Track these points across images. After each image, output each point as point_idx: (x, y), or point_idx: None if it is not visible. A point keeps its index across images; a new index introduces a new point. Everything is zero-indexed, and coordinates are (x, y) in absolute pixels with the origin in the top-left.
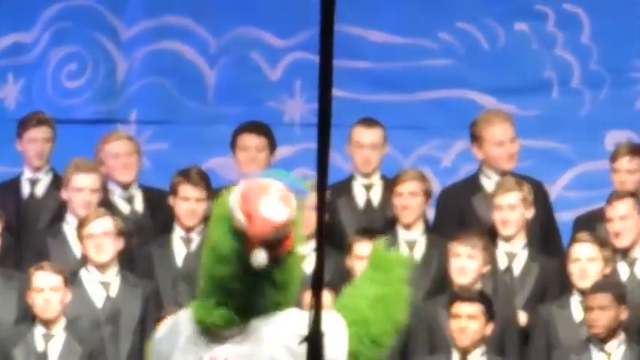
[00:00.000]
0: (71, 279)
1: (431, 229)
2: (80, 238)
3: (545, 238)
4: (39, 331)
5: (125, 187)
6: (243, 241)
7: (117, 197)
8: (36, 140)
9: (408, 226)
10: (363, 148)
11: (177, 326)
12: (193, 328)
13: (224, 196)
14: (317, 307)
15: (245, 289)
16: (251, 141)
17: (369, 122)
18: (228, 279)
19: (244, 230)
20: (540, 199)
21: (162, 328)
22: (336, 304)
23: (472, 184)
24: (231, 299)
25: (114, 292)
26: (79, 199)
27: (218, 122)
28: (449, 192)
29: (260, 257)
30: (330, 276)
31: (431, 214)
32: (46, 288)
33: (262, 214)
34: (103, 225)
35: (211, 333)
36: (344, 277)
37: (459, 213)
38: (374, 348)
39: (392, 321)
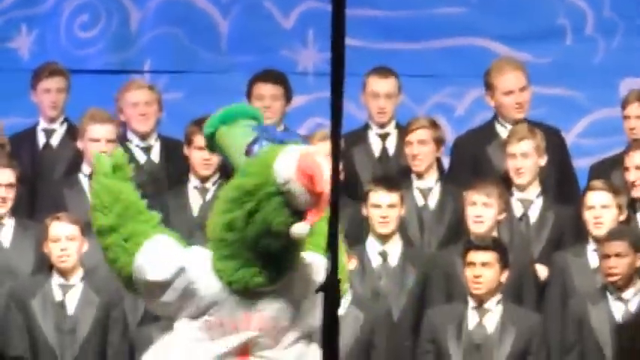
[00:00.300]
0: (87, 229)
1: (446, 177)
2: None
3: (562, 185)
4: (56, 281)
5: (143, 136)
6: (298, 214)
7: (134, 146)
8: (50, 90)
9: (420, 175)
10: (378, 98)
11: (193, 273)
12: (218, 285)
13: (256, 168)
14: (333, 255)
15: (289, 255)
16: (266, 90)
17: (383, 71)
18: (277, 249)
19: (302, 204)
20: (557, 147)
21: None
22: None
23: (487, 131)
24: (273, 264)
25: None
26: (94, 149)
27: (231, 71)
28: (464, 140)
29: (304, 229)
30: (346, 225)
31: (447, 162)
32: (63, 237)
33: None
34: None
35: (245, 292)
36: (360, 225)
37: (473, 161)
38: None
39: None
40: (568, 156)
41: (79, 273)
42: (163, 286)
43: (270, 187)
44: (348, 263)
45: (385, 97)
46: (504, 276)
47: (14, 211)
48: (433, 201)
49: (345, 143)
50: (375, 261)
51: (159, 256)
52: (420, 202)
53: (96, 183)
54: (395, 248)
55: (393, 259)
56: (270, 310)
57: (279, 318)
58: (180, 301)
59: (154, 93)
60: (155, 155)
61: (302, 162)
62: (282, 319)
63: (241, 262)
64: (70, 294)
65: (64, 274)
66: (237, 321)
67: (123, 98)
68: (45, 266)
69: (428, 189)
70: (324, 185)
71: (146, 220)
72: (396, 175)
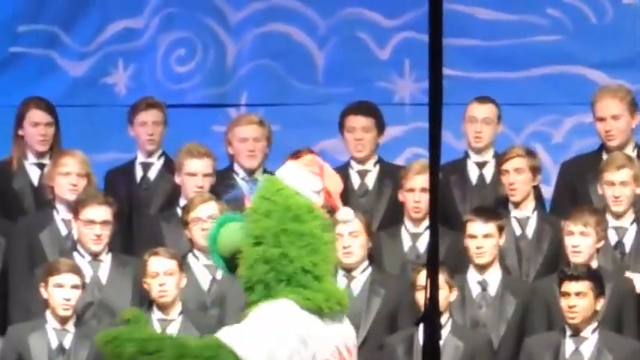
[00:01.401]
0: (185, 264)
1: (550, 205)
2: (185, 222)
3: None
4: (156, 315)
5: (250, 172)
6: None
7: (240, 180)
8: (147, 123)
9: (517, 204)
10: (475, 123)
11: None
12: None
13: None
14: (432, 285)
15: None
16: (357, 122)
17: (482, 99)
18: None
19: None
20: None
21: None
22: None
23: (592, 159)
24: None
25: (219, 275)
26: (191, 184)
27: (328, 103)
28: (567, 167)
29: (350, 212)
30: (443, 255)
31: (545, 190)
32: (161, 273)
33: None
34: (209, 209)
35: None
36: (458, 255)
37: (574, 189)
38: None
39: None
40: None
41: (178, 307)
42: None
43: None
44: (450, 294)
45: (482, 122)
46: (600, 304)
47: (112, 247)
48: (530, 230)
49: (444, 172)
50: (475, 290)
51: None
52: (518, 231)
53: None
54: (494, 277)
55: (493, 289)
56: (340, 337)
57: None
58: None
59: (264, 128)
60: None
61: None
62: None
63: (319, 281)
64: (170, 328)
65: (164, 308)
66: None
67: (232, 131)
68: (144, 301)
69: (525, 218)
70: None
71: None
72: (493, 204)
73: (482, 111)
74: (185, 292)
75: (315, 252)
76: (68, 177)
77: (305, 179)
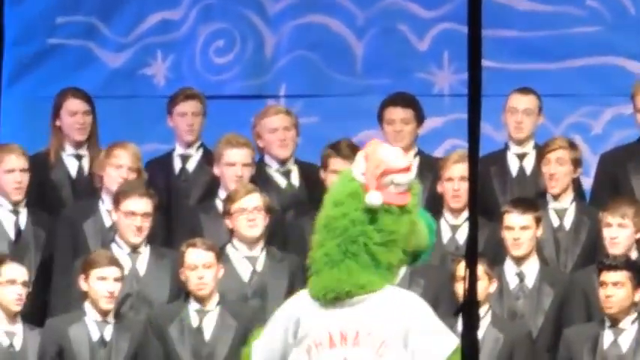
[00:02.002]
0: (223, 255)
1: (590, 196)
2: (228, 213)
3: None
4: (193, 307)
5: (282, 162)
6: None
7: (273, 171)
8: (186, 114)
9: (556, 196)
10: (516, 114)
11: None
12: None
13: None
14: (471, 277)
15: None
16: (396, 114)
17: (524, 90)
18: None
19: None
20: None
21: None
22: None
23: (632, 150)
24: None
25: (260, 266)
26: (231, 173)
27: (367, 94)
28: (606, 158)
29: (378, 196)
30: (482, 246)
31: (584, 181)
32: (199, 265)
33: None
34: (254, 200)
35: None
36: (497, 247)
37: (613, 180)
38: None
39: None
40: None
41: (215, 298)
42: None
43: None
44: (490, 285)
45: (523, 113)
46: (638, 295)
47: (150, 239)
48: (569, 221)
49: (484, 164)
50: (513, 282)
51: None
52: (556, 222)
53: None
54: (532, 269)
55: (530, 280)
56: (347, 321)
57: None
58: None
59: (292, 117)
60: (295, 179)
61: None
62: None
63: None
64: (207, 319)
65: (201, 300)
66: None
67: (260, 124)
68: (182, 293)
69: (563, 210)
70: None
71: None
72: (532, 195)
73: (523, 102)
74: (225, 283)
75: (340, 235)
76: (119, 170)
77: (356, 163)
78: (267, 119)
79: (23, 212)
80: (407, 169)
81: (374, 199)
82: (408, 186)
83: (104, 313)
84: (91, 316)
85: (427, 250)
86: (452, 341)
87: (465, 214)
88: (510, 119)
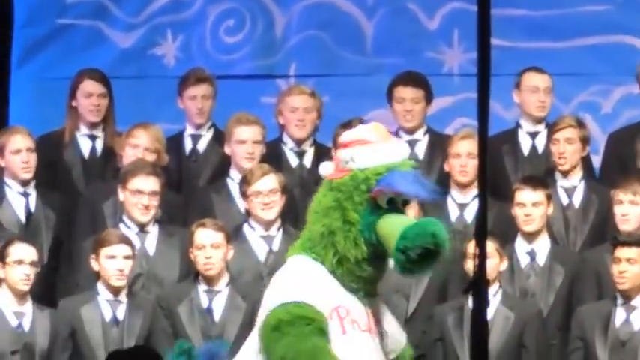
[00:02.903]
0: (234, 234)
1: (598, 175)
2: (244, 195)
3: None
4: (202, 287)
5: (299, 142)
6: None
7: (288, 150)
8: (196, 97)
9: (565, 173)
10: (537, 92)
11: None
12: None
13: None
14: (481, 255)
15: None
16: (406, 93)
17: (538, 69)
18: None
19: None
20: None
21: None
22: None
23: (638, 128)
24: None
25: (276, 246)
26: (241, 151)
27: (377, 73)
28: (615, 137)
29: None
30: (491, 224)
31: (594, 160)
32: (208, 245)
33: None
34: (269, 182)
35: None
36: (506, 226)
37: (622, 158)
38: None
39: None
40: None
41: (225, 279)
42: None
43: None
44: (500, 263)
45: (544, 92)
46: None
47: (160, 218)
48: (577, 199)
49: (495, 143)
50: (524, 260)
51: None
52: (565, 200)
53: None
54: (543, 247)
55: (541, 258)
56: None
57: None
58: None
59: (315, 100)
60: (307, 160)
61: None
62: None
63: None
64: (217, 300)
65: (210, 280)
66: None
67: (283, 101)
68: (191, 273)
69: (572, 188)
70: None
71: None
72: (543, 173)
73: (543, 80)
74: (241, 262)
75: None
76: (136, 150)
77: None
78: (289, 98)
79: (33, 194)
80: (344, 145)
81: (322, 169)
82: (347, 163)
83: (116, 292)
84: (103, 295)
85: (396, 255)
86: (284, 297)
87: (473, 192)
88: (531, 98)
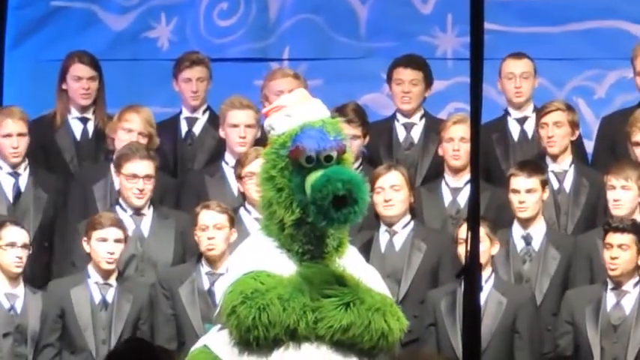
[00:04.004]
0: (236, 218)
1: (591, 159)
2: (239, 177)
3: None
4: (204, 269)
5: None
6: None
7: None
8: (191, 80)
9: (555, 157)
10: (513, 79)
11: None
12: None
13: None
14: (473, 239)
15: None
16: (406, 75)
17: (518, 54)
18: None
19: None
20: None
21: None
22: None
23: (632, 113)
24: None
25: None
26: (234, 135)
27: (370, 57)
28: (607, 121)
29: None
30: (484, 209)
31: (587, 144)
32: (211, 226)
33: None
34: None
35: None
36: (498, 211)
37: (614, 143)
38: None
39: None
40: None
41: (227, 261)
42: None
43: None
44: (492, 247)
45: (520, 77)
46: None
47: (155, 200)
48: (568, 184)
49: (484, 131)
50: (519, 245)
51: None
52: (556, 185)
53: None
54: (538, 232)
55: (537, 243)
56: None
57: None
58: None
59: (300, 81)
60: None
61: None
62: None
63: None
64: (218, 283)
65: (212, 262)
66: None
67: (268, 86)
68: (187, 254)
69: (563, 172)
70: None
71: None
72: (535, 159)
73: (519, 66)
74: (237, 245)
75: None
76: (130, 134)
77: None
78: (273, 82)
79: (24, 174)
80: (265, 116)
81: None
82: (269, 132)
83: (106, 275)
84: (93, 278)
85: (311, 208)
86: (235, 275)
87: (466, 176)
88: (509, 85)
